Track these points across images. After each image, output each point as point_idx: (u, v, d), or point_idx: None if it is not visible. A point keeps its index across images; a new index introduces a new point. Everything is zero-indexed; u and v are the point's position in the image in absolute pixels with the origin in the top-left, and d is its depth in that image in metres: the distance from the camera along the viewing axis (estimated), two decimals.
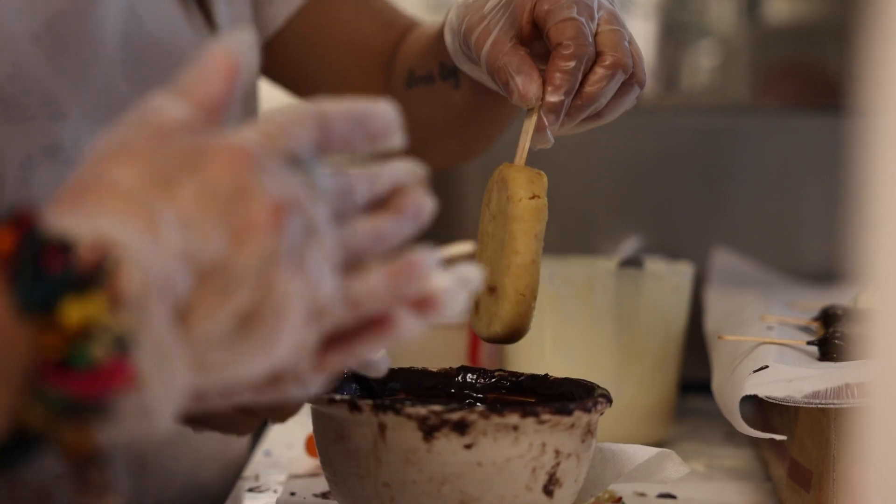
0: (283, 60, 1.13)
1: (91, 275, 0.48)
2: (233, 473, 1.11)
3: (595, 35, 0.84)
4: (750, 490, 1.00)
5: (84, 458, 0.49)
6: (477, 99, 0.98)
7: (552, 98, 0.83)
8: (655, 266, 1.16)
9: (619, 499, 0.93)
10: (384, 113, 0.58)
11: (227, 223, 0.51)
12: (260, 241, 0.51)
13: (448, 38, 0.93)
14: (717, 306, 1.18)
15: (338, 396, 0.77)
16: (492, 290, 0.83)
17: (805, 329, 1.03)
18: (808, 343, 0.95)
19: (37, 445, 0.49)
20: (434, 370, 0.89)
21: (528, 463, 0.76)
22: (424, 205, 0.59)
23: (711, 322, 1.14)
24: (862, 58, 0.53)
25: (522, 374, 0.87)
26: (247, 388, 0.54)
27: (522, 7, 0.86)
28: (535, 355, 1.10)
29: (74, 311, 0.48)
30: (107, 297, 0.48)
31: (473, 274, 0.59)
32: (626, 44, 0.85)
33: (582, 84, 0.84)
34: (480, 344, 1.22)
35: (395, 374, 0.88)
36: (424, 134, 1.05)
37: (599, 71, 0.84)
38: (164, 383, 0.50)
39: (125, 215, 0.49)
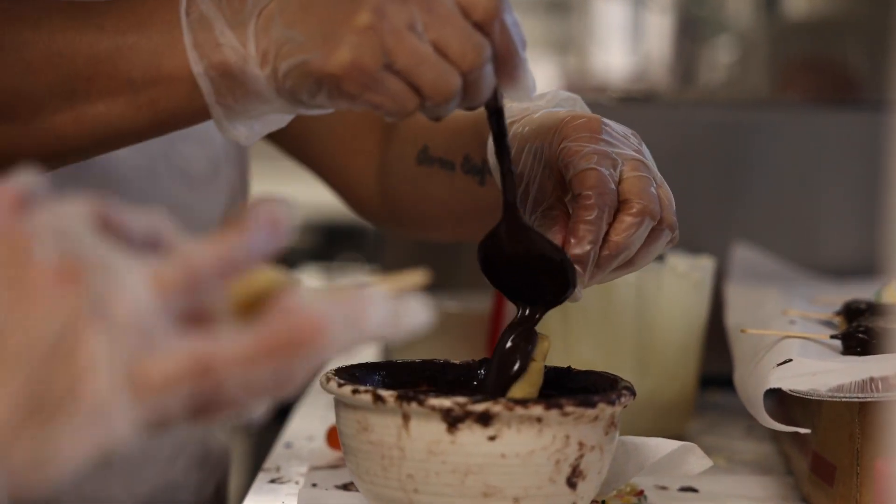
0: None
1: None
2: (215, 468, 1.11)
3: (620, 183, 0.83)
4: (772, 484, 1.00)
5: None
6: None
7: (576, 250, 0.81)
8: (677, 260, 1.16)
9: (641, 492, 0.93)
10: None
11: (7, 296, 0.46)
12: (44, 308, 0.46)
13: (491, 153, 0.90)
14: (738, 301, 1.18)
15: (362, 388, 0.77)
16: None
17: (827, 323, 1.03)
18: (832, 337, 0.95)
19: None
20: (456, 363, 0.89)
21: (552, 455, 0.76)
22: (280, 214, 0.50)
23: (733, 316, 1.14)
24: (890, 53, 0.53)
25: (545, 367, 0.87)
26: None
27: (553, 159, 0.85)
28: (557, 348, 1.10)
29: None
30: None
31: (419, 310, 0.51)
32: (653, 189, 0.83)
33: (609, 233, 0.82)
34: None
35: (415, 366, 0.88)
36: (435, 213, 1.04)
37: (626, 219, 0.82)
38: None
39: None
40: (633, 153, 0.85)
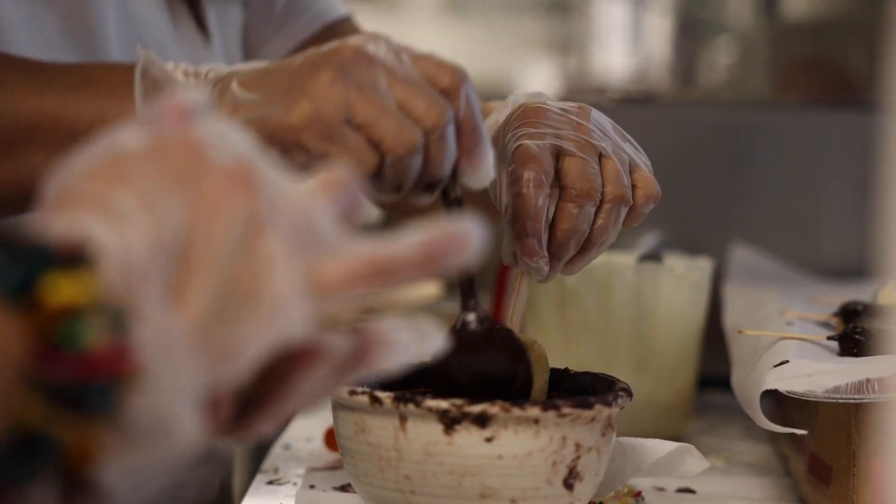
0: None
1: (72, 256, 0.45)
2: (218, 466, 1.11)
3: (558, 161, 0.83)
4: (770, 485, 1.00)
5: (91, 469, 0.45)
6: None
7: (515, 227, 0.81)
8: (675, 261, 1.16)
9: (639, 493, 0.93)
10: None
11: (191, 196, 0.48)
12: (228, 207, 0.48)
13: None
14: (737, 301, 1.18)
15: (359, 389, 0.77)
16: None
17: (825, 324, 1.03)
18: (828, 338, 0.95)
19: (39, 451, 0.44)
20: None
21: (549, 456, 0.76)
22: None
23: (731, 317, 1.14)
24: (885, 54, 0.53)
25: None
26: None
27: (505, 155, 0.85)
28: (555, 349, 1.10)
29: (58, 288, 0.44)
30: (93, 278, 0.45)
31: (434, 333, 0.54)
32: (591, 169, 0.83)
33: (554, 223, 0.82)
34: None
35: (413, 367, 0.88)
36: (429, 211, 1.05)
37: (565, 206, 0.82)
38: (172, 379, 0.46)
39: (80, 211, 0.47)
40: (572, 132, 0.84)
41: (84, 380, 0.44)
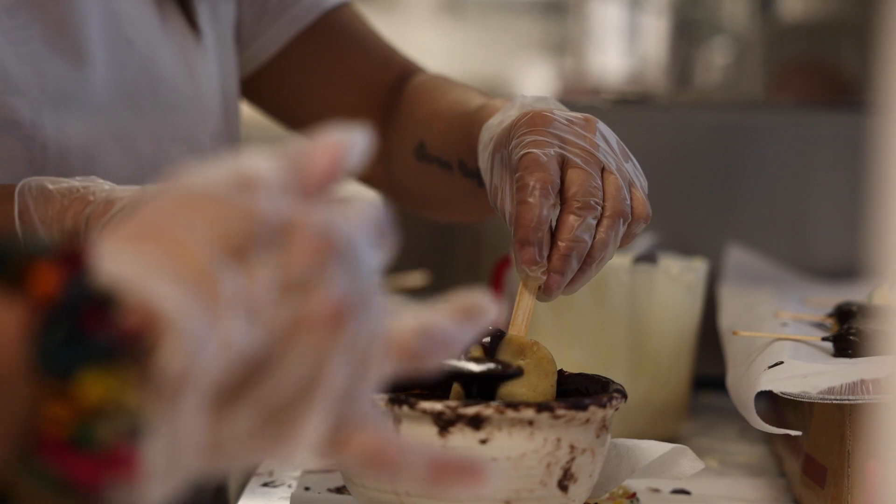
0: (271, 93, 1.11)
1: (126, 347, 0.43)
2: (213, 480, 1.11)
3: (563, 173, 0.83)
4: (764, 486, 1.00)
5: None
6: None
7: (519, 233, 0.81)
8: (670, 262, 1.16)
9: (634, 494, 0.93)
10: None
11: (290, 316, 0.46)
12: (310, 344, 0.46)
13: (483, 160, 0.91)
14: (732, 303, 1.18)
15: None
16: None
17: (819, 325, 1.03)
18: (823, 339, 0.95)
19: None
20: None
21: (543, 458, 0.76)
22: (488, 307, 0.52)
23: (726, 318, 1.14)
24: (879, 55, 0.53)
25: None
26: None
27: (511, 161, 0.85)
28: (550, 351, 1.10)
29: (95, 387, 0.42)
30: (135, 377, 0.43)
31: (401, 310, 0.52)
32: (594, 182, 0.83)
33: (555, 236, 0.82)
34: None
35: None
36: (436, 203, 1.05)
37: (567, 219, 0.82)
38: (167, 477, 0.45)
39: (187, 286, 0.44)
40: (578, 140, 0.84)
41: (80, 481, 0.43)
